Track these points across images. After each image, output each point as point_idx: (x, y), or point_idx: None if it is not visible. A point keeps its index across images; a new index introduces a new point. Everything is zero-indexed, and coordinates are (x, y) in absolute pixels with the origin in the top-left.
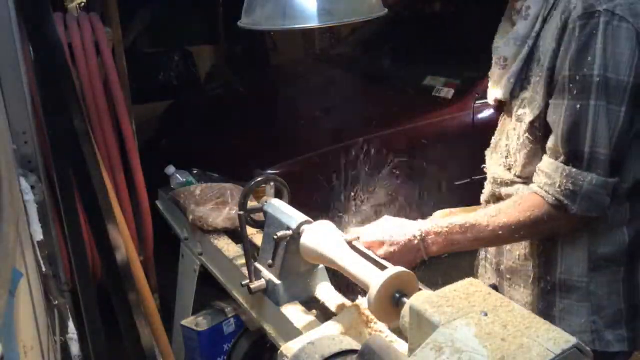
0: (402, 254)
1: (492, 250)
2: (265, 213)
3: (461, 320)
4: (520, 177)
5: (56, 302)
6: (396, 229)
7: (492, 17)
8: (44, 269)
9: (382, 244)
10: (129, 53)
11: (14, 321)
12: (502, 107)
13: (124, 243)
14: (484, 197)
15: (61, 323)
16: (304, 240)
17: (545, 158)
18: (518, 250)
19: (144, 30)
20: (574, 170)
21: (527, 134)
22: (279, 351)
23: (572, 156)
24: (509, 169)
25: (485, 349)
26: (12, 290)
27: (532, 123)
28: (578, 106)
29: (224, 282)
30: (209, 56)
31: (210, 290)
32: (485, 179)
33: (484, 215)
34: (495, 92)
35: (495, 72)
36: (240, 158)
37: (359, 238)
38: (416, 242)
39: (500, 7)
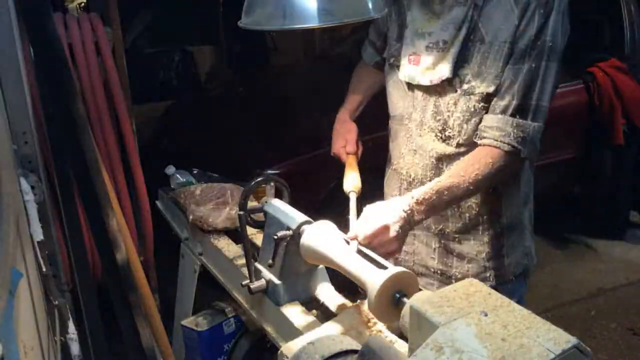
0: (404, 231)
1: (431, 220)
2: (265, 213)
3: (461, 320)
4: (463, 144)
5: (56, 302)
6: (387, 211)
7: None
8: (44, 269)
9: (386, 227)
10: (129, 53)
11: (14, 321)
12: (427, 89)
13: (124, 243)
14: (402, 186)
15: (61, 323)
16: (304, 240)
17: (492, 116)
18: (467, 212)
19: (144, 30)
20: (521, 120)
21: (481, 104)
22: (279, 351)
23: (520, 109)
24: (446, 141)
25: (485, 349)
26: (12, 290)
27: (488, 94)
28: (534, 66)
29: (224, 282)
30: (209, 56)
31: (210, 290)
32: None
33: (453, 176)
34: (437, 72)
35: (430, 55)
36: (240, 158)
37: (356, 237)
38: (406, 217)
39: None
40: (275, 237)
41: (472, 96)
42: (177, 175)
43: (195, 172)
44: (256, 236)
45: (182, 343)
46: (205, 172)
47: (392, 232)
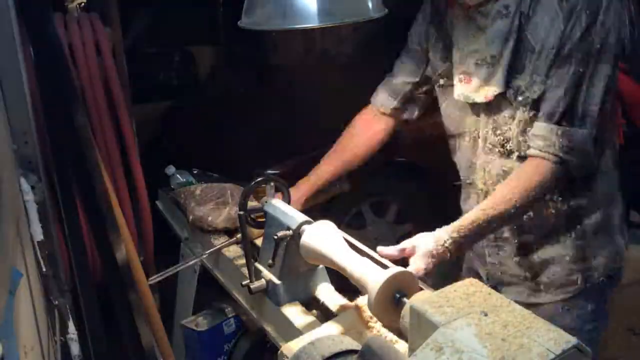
0: (438, 260)
1: (509, 233)
2: (265, 213)
3: (461, 320)
4: (524, 157)
5: (56, 302)
6: (427, 243)
7: None
8: (44, 269)
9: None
10: (129, 53)
11: (14, 321)
12: (484, 106)
13: (124, 243)
14: (478, 200)
15: (61, 323)
16: (304, 240)
17: (537, 124)
18: (544, 222)
19: (144, 30)
20: (567, 128)
21: (532, 112)
22: (279, 351)
23: (566, 115)
24: (509, 156)
25: (485, 349)
26: (12, 290)
27: (535, 100)
28: (580, 70)
29: (224, 282)
30: (209, 56)
31: (210, 290)
32: None
33: (499, 203)
34: (488, 89)
35: (479, 72)
36: (240, 158)
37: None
38: (447, 249)
39: None
40: (275, 237)
41: (527, 107)
42: (177, 175)
43: (195, 172)
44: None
45: (182, 343)
46: (205, 172)
47: (421, 272)
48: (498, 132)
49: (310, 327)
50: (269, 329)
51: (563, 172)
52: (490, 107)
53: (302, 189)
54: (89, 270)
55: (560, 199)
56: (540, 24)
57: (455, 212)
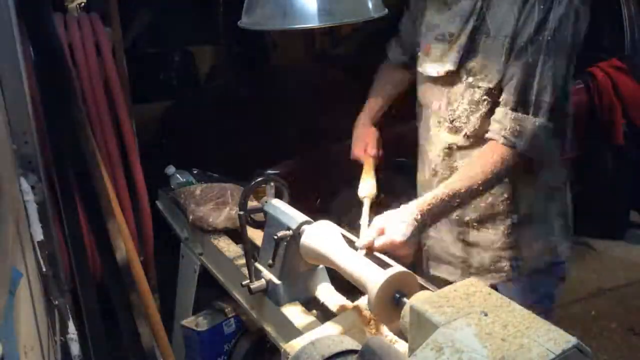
0: (413, 237)
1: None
2: (265, 213)
3: (461, 320)
4: (471, 136)
5: (56, 302)
6: (397, 222)
7: None
8: (44, 269)
9: (394, 240)
10: (129, 53)
11: (14, 321)
12: (438, 79)
13: (124, 243)
14: (428, 171)
15: (61, 323)
16: (304, 240)
17: (497, 109)
18: (482, 201)
19: (144, 30)
20: (520, 114)
21: (484, 97)
22: (282, 350)
23: (521, 104)
24: (456, 132)
25: (485, 349)
26: (12, 290)
27: (490, 88)
28: (531, 60)
29: (224, 282)
30: (209, 56)
31: (210, 290)
32: None
33: (463, 179)
34: (441, 65)
35: (437, 47)
36: (240, 158)
37: (365, 246)
38: (416, 224)
39: None
40: (275, 237)
41: (476, 89)
42: (177, 175)
43: (195, 172)
44: (256, 236)
45: (182, 343)
46: (205, 172)
47: (400, 238)
48: (449, 107)
49: (310, 327)
50: (269, 329)
51: (514, 155)
52: (444, 82)
53: (368, 129)
54: (89, 270)
55: (503, 182)
56: (498, 10)
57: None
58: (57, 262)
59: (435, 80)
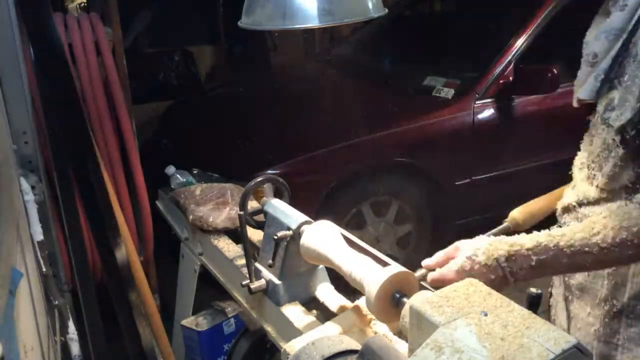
0: (485, 277)
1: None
2: (265, 213)
3: (461, 320)
4: (604, 190)
5: (56, 302)
6: (480, 250)
7: (491, 17)
8: (44, 269)
9: (448, 281)
10: (129, 53)
11: (14, 321)
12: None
13: (124, 243)
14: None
15: (61, 323)
16: (304, 240)
17: None
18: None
19: (144, 30)
20: None
21: (615, 140)
22: (282, 350)
23: None
24: (591, 183)
25: (485, 349)
26: (12, 290)
27: (623, 127)
28: None
29: (224, 282)
30: (209, 56)
31: (210, 290)
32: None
33: (582, 232)
34: (579, 92)
35: (583, 70)
36: (240, 158)
37: (425, 276)
38: (500, 266)
39: (502, 6)
40: (275, 237)
41: (610, 128)
42: (177, 175)
43: (195, 172)
44: (256, 236)
45: (182, 343)
46: (205, 172)
47: (452, 275)
48: (588, 149)
49: (310, 327)
50: (269, 329)
51: None
52: (590, 114)
53: None
54: (89, 270)
55: None
56: None
57: (455, 212)
58: (57, 262)
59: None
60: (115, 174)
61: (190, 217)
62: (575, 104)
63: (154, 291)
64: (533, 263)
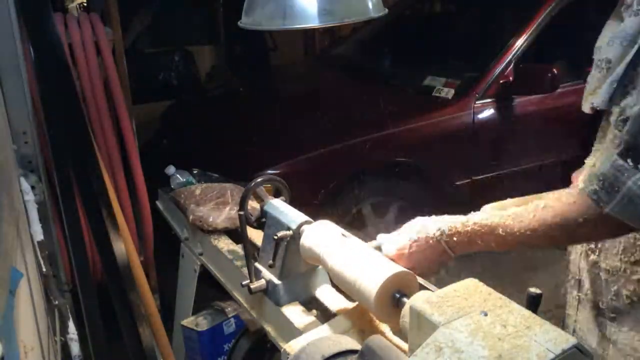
0: (424, 254)
1: (586, 283)
2: (266, 213)
3: (461, 320)
4: None
5: (56, 302)
6: (418, 230)
7: (491, 17)
8: (44, 269)
9: (402, 253)
10: (129, 53)
11: (14, 321)
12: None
13: (124, 243)
14: None
15: (61, 323)
16: (304, 240)
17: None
18: (624, 289)
19: (144, 30)
20: (624, 164)
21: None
22: (282, 350)
23: (632, 149)
24: None
25: (485, 349)
26: (12, 289)
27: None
28: None
29: (224, 282)
30: (209, 56)
31: (210, 290)
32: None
33: (517, 214)
34: (592, 98)
35: (595, 75)
36: (240, 158)
37: (380, 248)
38: (439, 241)
39: (502, 6)
40: (275, 237)
41: (618, 132)
42: (177, 175)
43: (195, 172)
44: (256, 236)
45: (182, 343)
46: (205, 172)
47: (393, 252)
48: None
49: (310, 327)
50: (269, 329)
51: (598, 215)
52: (604, 119)
53: None
54: (89, 270)
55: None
56: None
57: (455, 213)
58: (57, 262)
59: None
60: (115, 174)
61: (190, 217)
62: (587, 111)
63: (154, 291)
64: (469, 238)
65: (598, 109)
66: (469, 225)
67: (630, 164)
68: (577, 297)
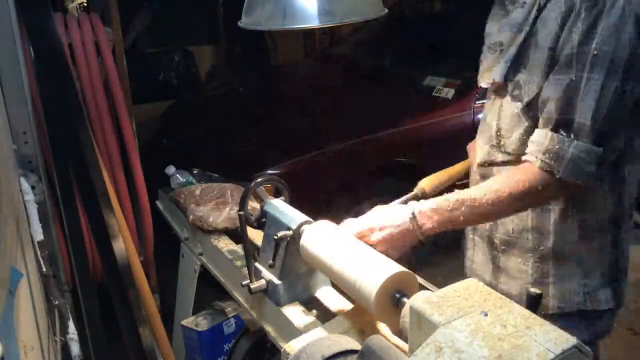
0: (393, 238)
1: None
2: (266, 213)
3: (461, 320)
4: (511, 153)
5: (56, 302)
6: (387, 214)
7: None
8: (44, 269)
9: (371, 230)
10: (129, 53)
11: (14, 321)
12: (494, 90)
13: (124, 243)
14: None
15: (61, 323)
16: (304, 240)
17: (537, 130)
18: (512, 224)
19: (144, 30)
20: (560, 135)
21: (523, 113)
22: (282, 350)
23: (562, 124)
24: (499, 147)
25: (485, 349)
26: (11, 289)
27: (529, 102)
28: (574, 78)
29: (224, 282)
30: (209, 56)
31: (210, 290)
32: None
33: (478, 188)
34: (488, 75)
35: (488, 56)
36: (240, 158)
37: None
38: (408, 223)
39: None
40: (275, 237)
41: (518, 103)
42: (177, 175)
43: (195, 172)
44: (256, 236)
45: (182, 343)
46: (205, 172)
47: (372, 238)
48: (496, 121)
49: (310, 327)
50: (269, 329)
51: (552, 182)
52: (497, 94)
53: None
54: (89, 270)
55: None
56: (547, 20)
57: None
58: (57, 262)
59: (489, 91)
60: (115, 174)
61: (190, 217)
62: (484, 85)
63: (154, 291)
64: (435, 218)
65: (495, 82)
66: (438, 203)
67: (564, 134)
68: (472, 239)
